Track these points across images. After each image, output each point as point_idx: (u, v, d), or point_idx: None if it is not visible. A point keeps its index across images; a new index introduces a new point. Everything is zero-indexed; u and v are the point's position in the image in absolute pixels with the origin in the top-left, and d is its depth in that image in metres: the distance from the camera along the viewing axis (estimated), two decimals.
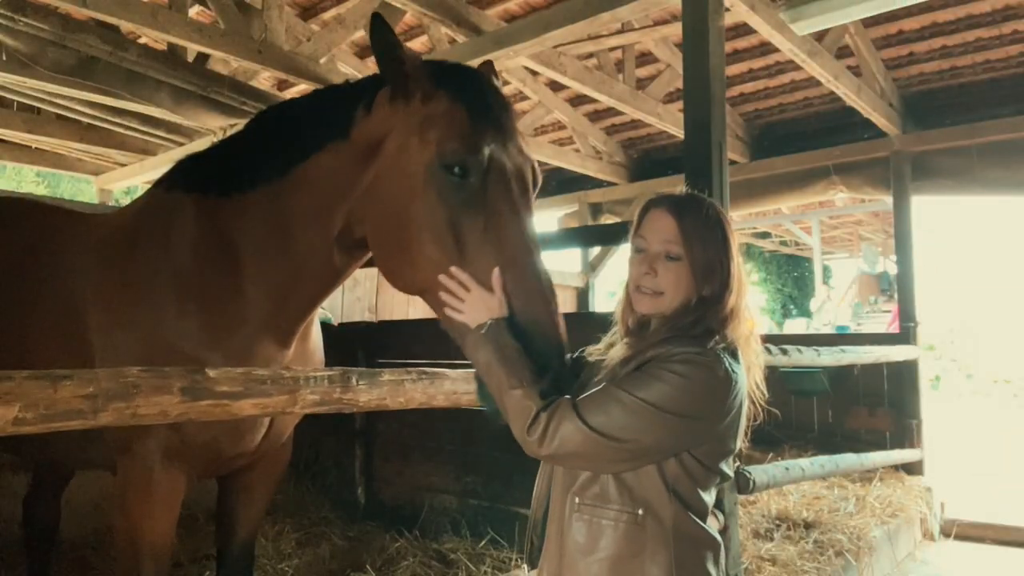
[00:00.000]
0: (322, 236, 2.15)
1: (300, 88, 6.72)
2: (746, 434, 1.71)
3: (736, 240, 1.69)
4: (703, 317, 1.60)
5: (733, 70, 6.57)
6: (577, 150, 8.06)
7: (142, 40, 5.62)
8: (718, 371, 1.51)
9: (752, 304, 1.76)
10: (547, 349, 1.64)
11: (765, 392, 1.72)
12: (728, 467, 1.64)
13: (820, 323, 18.46)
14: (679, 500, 1.53)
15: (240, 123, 6.08)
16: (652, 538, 1.50)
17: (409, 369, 1.94)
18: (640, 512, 1.51)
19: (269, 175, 2.20)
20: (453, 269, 1.72)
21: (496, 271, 1.68)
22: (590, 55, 6.10)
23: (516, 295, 1.68)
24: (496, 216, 1.75)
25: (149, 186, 2.69)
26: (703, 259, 1.62)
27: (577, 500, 1.58)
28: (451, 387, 2.02)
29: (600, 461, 1.52)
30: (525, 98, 7.32)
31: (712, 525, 1.63)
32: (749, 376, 1.67)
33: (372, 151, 1.97)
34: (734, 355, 1.60)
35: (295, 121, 2.21)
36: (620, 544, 1.51)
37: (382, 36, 1.85)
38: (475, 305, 1.66)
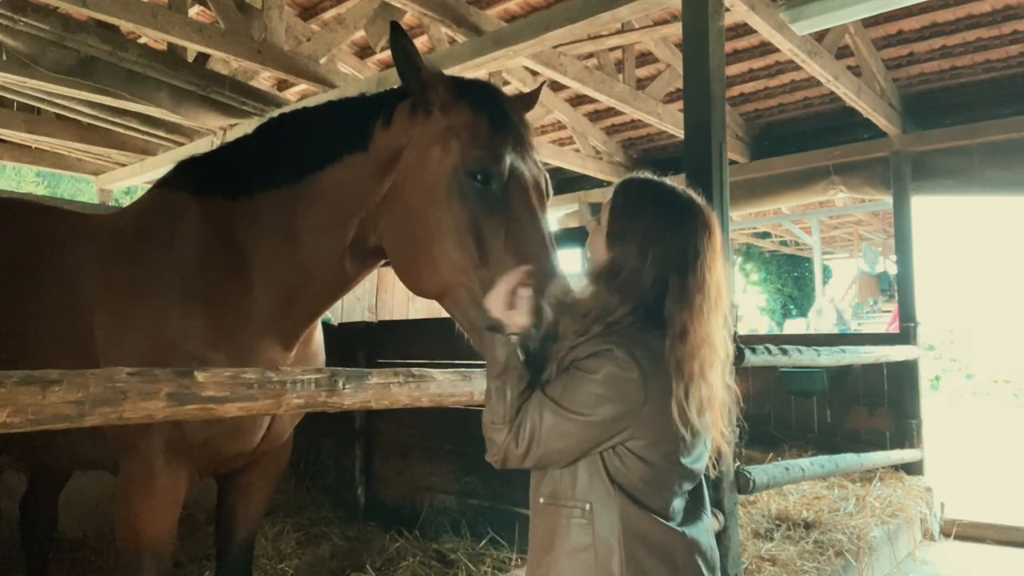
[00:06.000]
0: (335, 243, 2.18)
1: (300, 88, 6.73)
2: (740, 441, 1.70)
3: (677, 244, 1.59)
4: (608, 310, 1.57)
5: (733, 70, 6.57)
6: (577, 150, 8.06)
7: (142, 40, 5.62)
8: (627, 366, 1.49)
9: (711, 335, 1.57)
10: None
11: (731, 436, 1.70)
12: (691, 462, 1.59)
13: (831, 323, 18.37)
14: (624, 493, 1.53)
15: (240, 123, 6.09)
16: (601, 531, 1.53)
17: (397, 371, 1.97)
18: (588, 507, 1.55)
19: (280, 181, 2.23)
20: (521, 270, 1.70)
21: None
22: (590, 55, 6.10)
23: (537, 295, 1.71)
24: (517, 221, 1.81)
25: (151, 186, 2.69)
26: (616, 227, 1.64)
27: (542, 500, 1.64)
28: (437, 390, 2.05)
29: (542, 465, 1.60)
30: None
31: (699, 525, 1.61)
32: (714, 428, 1.63)
33: (390, 162, 2.02)
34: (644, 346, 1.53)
35: (311, 130, 2.24)
36: (573, 538, 1.55)
37: (401, 44, 1.90)
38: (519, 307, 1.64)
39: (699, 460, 1.63)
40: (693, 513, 1.63)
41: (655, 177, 1.73)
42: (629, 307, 1.56)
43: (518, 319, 1.59)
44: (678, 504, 1.60)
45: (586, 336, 1.56)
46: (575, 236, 6.77)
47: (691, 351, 1.53)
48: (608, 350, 1.51)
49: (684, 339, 1.53)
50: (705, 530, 1.64)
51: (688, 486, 1.63)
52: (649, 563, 1.52)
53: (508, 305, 1.60)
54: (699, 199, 1.69)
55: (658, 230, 1.61)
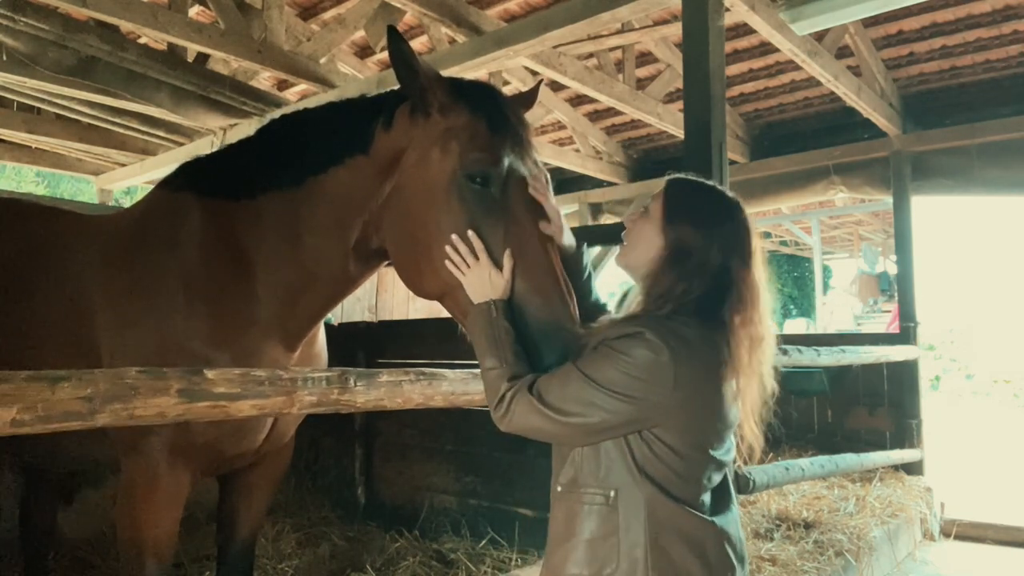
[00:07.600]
0: (338, 245, 2.18)
1: (300, 88, 6.73)
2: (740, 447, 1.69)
3: (735, 233, 1.63)
4: (656, 298, 1.57)
5: (733, 70, 6.57)
6: (577, 150, 8.06)
7: (142, 40, 5.62)
8: (659, 349, 1.47)
9: (767, 332, 1.61)
10: (568, 345, 1.68)
11: (760, 431, 1.68)
12: (722, 454, 1.58)
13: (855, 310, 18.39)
14: (652, 482, 1.50)
15: (240, 123, 6.09)
16: (625, 519, 1.50)
17: (407, 370, 1.95)
18: (612, 494, 1.52)
19: (282, 183, 2.23)
20: (470, 234, 1.77)
21: (508, 252, 1.74)
22: (590, 55, 6.10)
23: (537, 296, 1.72)
24: (516, 223, 1.81)
25: (152, 186, 2.69)
26: (675, 209, 1.65)
27: (559, 489, 1.61)
28: (449, 388, 2.03)
29: (554, 434, 1.58)
30: None
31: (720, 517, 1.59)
32: (746, 417, 1.63)
33: (391, 164, 2.02)
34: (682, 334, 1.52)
35: (312, 133, 2.24)
36: (594, 527, 1.53)
37: (397, 47, 1.91)
38: (481, 277, 1.72)
39: (729, 452, 1.62)
40: (721, 504, 1.61)
41: (719, 187, 1.78)
42: (696, 286, 1.57)
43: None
44: (707, 497, 1.58)
45: (627, 317, 1.58)
46: (575, 236, 6.77)
47: (755, 341, 1.55)
48: (640, 332, 1.50)
49: (751, 329, 1.55)
50: (734, 521, 1.62)
51: (717, 478, 1.61)
52: (677, 553, 1.49)
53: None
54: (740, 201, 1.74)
55: (719, 214, 1.65)
